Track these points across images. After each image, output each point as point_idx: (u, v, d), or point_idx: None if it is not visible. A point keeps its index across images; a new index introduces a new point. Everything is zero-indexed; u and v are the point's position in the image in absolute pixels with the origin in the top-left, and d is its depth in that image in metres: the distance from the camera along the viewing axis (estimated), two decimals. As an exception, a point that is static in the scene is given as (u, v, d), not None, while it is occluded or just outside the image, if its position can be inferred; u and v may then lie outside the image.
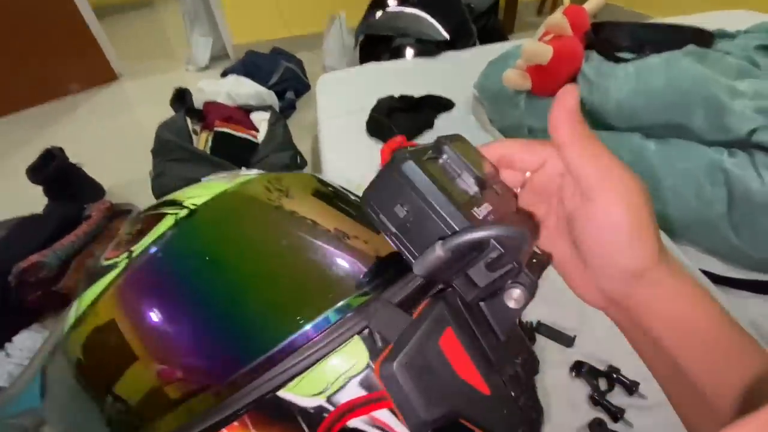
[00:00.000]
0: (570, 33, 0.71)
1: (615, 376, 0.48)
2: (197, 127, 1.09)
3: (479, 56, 1.00)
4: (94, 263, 0.25)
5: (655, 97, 0.63)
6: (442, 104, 0.93)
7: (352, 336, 0.19)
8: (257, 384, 0.18)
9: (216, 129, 1.04)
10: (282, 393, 0.18)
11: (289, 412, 0.18)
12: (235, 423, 0.18)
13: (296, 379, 0.18)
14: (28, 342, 0.82)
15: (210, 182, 0.27)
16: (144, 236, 0.23)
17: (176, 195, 0.26)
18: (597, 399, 0.46)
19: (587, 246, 0.19)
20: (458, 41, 1.22)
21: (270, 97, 1.30)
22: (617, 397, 0.47)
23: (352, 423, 0.18)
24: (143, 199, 1.06)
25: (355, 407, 0.18)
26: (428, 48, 1.19)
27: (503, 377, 0.19)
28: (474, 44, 1.28)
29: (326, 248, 0.22)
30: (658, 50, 0.66)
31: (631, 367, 0.48)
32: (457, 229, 0.17)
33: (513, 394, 0.18)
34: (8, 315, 0.84)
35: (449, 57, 1.19)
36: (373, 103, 0.91)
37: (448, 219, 0.17)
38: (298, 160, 1.05)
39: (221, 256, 0.21)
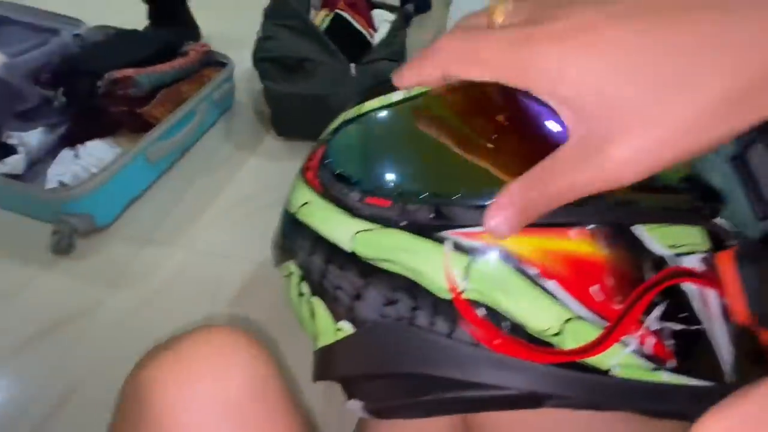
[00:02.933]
0: None
1: None
2: (317, 2, 1.00)
3: None
4: None
5: None
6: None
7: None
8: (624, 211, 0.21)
9: (337, 11, 0.95)
10: (638, 229, 0.20)
11: (637, 245, 0.20)
12: (585, 229, 0.20)
13: (657, 225, 0.21)
14: (98, 151, 0.83)
15: None
16: None
17: None
18: None
19: None
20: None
21: (394, 0, 1.18)
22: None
23: (684, 286, 0.21)
24: (237, 56, 1.00)
25: (692, 274, 0.21)
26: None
27: None
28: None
29: None
30: None
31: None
32: None
33: None
34: (89, 119, 0.84)
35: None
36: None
37: None
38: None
39: None
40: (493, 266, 0.20)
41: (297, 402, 0.29)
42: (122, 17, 1.03)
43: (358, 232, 0.24)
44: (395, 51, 0.96)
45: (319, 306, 0.27)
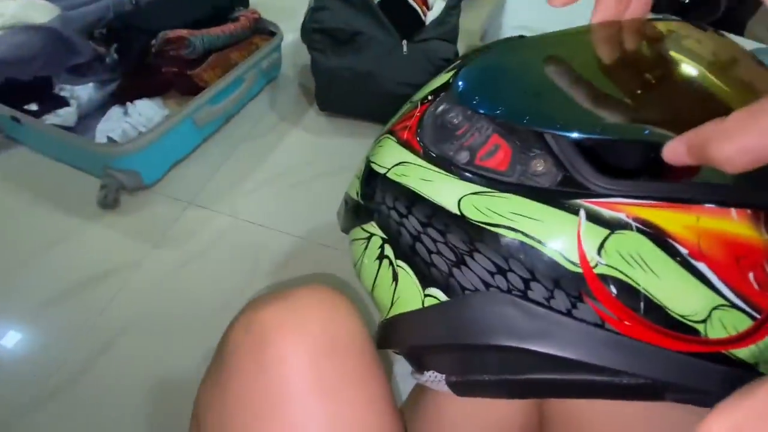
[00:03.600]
0: None
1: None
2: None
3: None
4: None
5: None
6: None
7: None
8: None
9: (393, -16, 0.92)
10: None
11: None
12: (749, 211, 0.18)
13: None
14: (147, 110, 0.83)
15: None
16: None
17: None
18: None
19: None
20: (696, 10, 0.98)
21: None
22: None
23: None
24: (287, 25, 0.99)
25: None
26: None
27: None
28: (714, 23, 1.03)
29: None
30: None
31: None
32: None
33: None
34: (139, 77, 0.84)
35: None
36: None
37: None
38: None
39: None
40: (636, 241, 0.18)
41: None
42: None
43: (467, 195, 0.22)
44: (448, 31, 0.93)
45: (406, 271, 0.25)
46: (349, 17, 0.87)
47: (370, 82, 0.87)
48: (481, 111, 0.23)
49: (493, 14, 1.06)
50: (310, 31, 0.88)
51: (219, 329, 0.29)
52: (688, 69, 0.21)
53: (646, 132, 0.18)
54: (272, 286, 0.69)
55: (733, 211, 0.18)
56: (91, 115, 0.84)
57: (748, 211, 0.18)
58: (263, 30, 0.97)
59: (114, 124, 0.81)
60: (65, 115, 0.79)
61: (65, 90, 0.83)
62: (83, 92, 0.84)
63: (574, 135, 0.19)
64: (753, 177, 0.16)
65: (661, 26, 0.23)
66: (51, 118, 0.78)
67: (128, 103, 0.83)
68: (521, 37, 0.28)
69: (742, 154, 0.14)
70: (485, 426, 0.31)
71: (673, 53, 0.22)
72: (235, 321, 0.28)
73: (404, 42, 0.87)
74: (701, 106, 0.17)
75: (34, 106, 0.79)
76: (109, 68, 0.86)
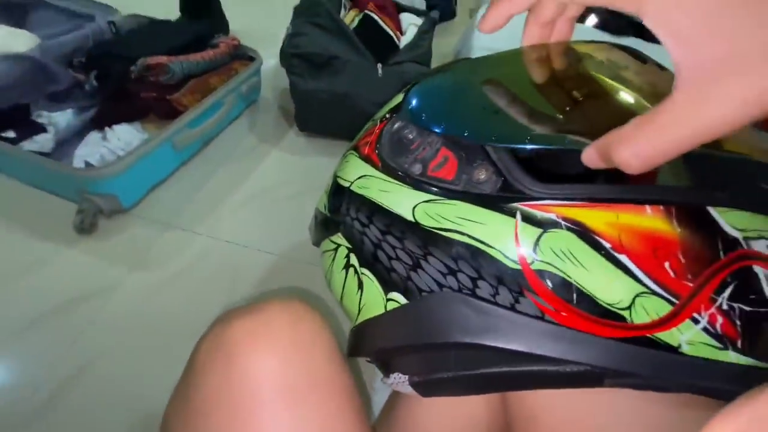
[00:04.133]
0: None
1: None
2: (347, 3, 1.02)
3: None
4: None
5: None
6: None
7: None
8: (699, 193, 0.21)
9: (367, 11, 0.97)
10: (714, 211, 0.20)
11: (710, 225, 0.20)
12: (661, 207, 0.20)
13: (728, 209, 0.21)
14: (126, 134, 0.84)
15: None
16: None
17: None
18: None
19: None
20: (636, 26, 1.05)
21: (421, 5, 1.20)
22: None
23: (756, 269, 0.20)
24: (267, 51, 1.02)
25: (760, 258, 0.20)
26: (617, 23, 1.03)
27: None
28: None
29: None
30: None
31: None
32: None
33: None
34: (118, 103, 0.85)
35: (632, 44, 1.03)
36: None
37: None
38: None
39: None
40: (565, 238, 0.20)
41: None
42: (155, 9, 1.05)
43: (420, 203, 0.24)
44: (422, 54, 0.97)
45: (370, 278, 0.27)
46: (325, 42, 0.90)
47: (347, 103, 0.90)
48: (427, 127, 0.25)
49: (465, 37, 1.11)
50: (288, 56, 0.91)
51: None
52: (607, 85, 0.24)
53: (567, 141, 0.20)
54: (240, 302, 0.70)
55: (648, 207, 0.20)
56: (70, 141, 0.84)
57: (661, 207, 0.20)
58: (243, 56, 1.00)
59: (92, 149, 0.82)
60: (42, 141, 0.79)
61: (43, 116, 0.84)
62: (61, 118, 0.85)
63: (508, 146, 0.22)
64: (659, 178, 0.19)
65: (582, 48, 0.26)
66: (28, 145, 0.78)
67: (107, 128, 0.84)
68: (465, 59, 0.31)
69: (635, 158, 0.17)
70: (455, 427, 0.32)
71: (593, 72, 0.25)
72: (203, 336, 0.28)
73: (379, 65, 0.91)
74: (617, 117, 0.19)
75: (11, 134, 0.79)
76: (89, 95, 0.87)
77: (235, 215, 0.83)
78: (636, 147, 0.16)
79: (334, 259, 0.30)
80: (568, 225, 0.20)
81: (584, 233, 0.20)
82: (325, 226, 0.32)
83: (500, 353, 0.22)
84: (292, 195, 0.88)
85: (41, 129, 0.81)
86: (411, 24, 1.04)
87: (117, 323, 0.66)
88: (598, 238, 0.20)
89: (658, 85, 0.24)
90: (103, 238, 0.75)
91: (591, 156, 0.19)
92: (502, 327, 0.22)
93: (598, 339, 0.20)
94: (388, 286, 0.26)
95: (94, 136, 0.84)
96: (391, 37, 0.99)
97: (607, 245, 0.20)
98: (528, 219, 0.21)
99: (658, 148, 0.16)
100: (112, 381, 0.61)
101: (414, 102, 0.27)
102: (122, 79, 0.83)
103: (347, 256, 0.29)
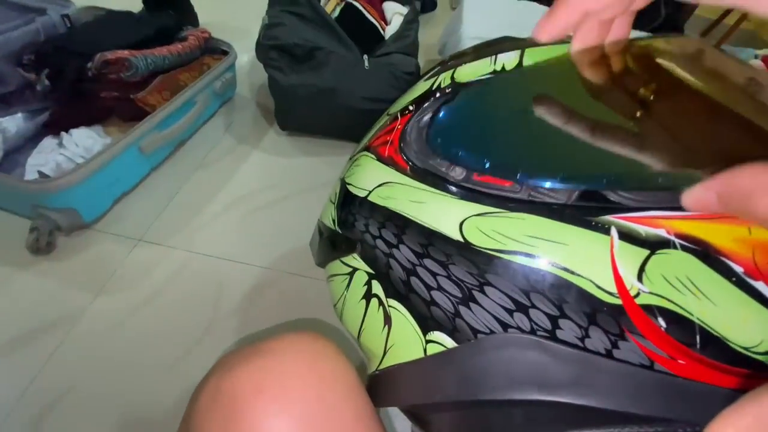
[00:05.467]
0: None
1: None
2: (327, -9, 0.95)
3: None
4: None
5: None
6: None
7: None
8: None
9: (348, 0, 0.90)
10: None
11: None
12: None
13: None
14: (86, 140, 0.75)
15: None
16: None
17: None
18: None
19: None
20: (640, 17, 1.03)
21: (404, -4, 1.14)
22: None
23: None
24: (241, 45, 0.94)
25: None
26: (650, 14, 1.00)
27: None
28: (655, 29, 1.09)
29: None
30: None
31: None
32: None
33: None
34: (75, 105, 0.76)
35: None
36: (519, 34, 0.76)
37: None
38: (420, 73, 0.91)
39: None
40: (682, 261, 0.15)
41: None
42: (114, 2, 0.95)
43: (470, 217, 0.18)
44: (408, 45, 0.91)
45: (401, 312, 0.21)
46: (306, 33, 0.83)
47: (333, 99, 0.83)
48: (468, 167, 0.20)
49: (451, 28, 1.06)
50: (266, 48, 0.83)
51: (181, 380, 0.24)
52: (705, 92, 0.19)
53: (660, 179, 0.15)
54: (243, 338, 0.62)
55: None
56: (21, 148, 0.75)
57: None
58: (215, 50, 0.92)
59: (47, 157, 0.72)
60: (-13, 151, 0.69)
61: (-13, 122, 0.74)
62: (10, 124, 0.75)
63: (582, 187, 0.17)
64: None
65: (649, 44, 0.21)
66: (-31, 155, 0.68)
67: (63, 133, 0.75)
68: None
69: None
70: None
71: (670, 70, 0.20)
72: (202, 385, 0.23)
73: (365, 57, 0.85)
74: (716, 128, 0.14)
75: (-51, 143, 0.69)
76: (41, 96, 0.77)
77: (213, 225, 0.75)
78: None
79: (348, 287, 0.24)
80: (684, 243, 0.15)
81: (707, 254, 0.15)
82: (334, 244, 0.26)
83: (588, 414, 0.17)
84: (276, 199, 0.81)
85: (-15, 137, 0.71)
86: (396, 13, 0.98)
87: (81, 357, 0.58)
88: (725, 260, 0.15)
89: (750, 84, 0.19)
90: (62, 258, 0.66)
91: (703, 199, 0.13)
92: (594, 380, 0.16)
93: (728, 393, 0.15)
94: (427, 323, 0.20)
95: (48, 142, 0.75)
96: (376, 27, 0.93)
97: (739, 269, 0.15)
98: (627, 236, 0.16)
99: None
100: (84, 418, 0.53)
101: (443, 139, 0.21)
102: (78, 78, 0.73)
103: (368, 283, 0.23)
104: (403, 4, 1.02)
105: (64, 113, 0.75)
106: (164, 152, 0.80)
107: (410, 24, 0.94)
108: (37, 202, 0.64)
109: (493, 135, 0.20)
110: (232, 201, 0.79)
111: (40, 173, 0.70)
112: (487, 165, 0.19)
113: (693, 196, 0.13)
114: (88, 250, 0.68)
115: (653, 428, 0.17)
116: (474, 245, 0.18)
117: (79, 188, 0.65)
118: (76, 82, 0.74)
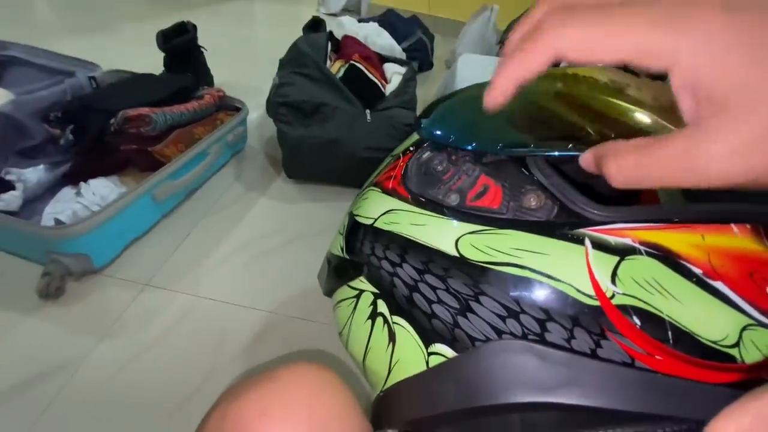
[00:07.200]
0: None
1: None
2: (332, 55, 1.04)
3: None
4: None
5: None
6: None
7: None
8: None
9: (352, 61, 0.99)
10: None
11: None
12: (748, 226, 0.18)
13: None
14: (103, 189, 0.79)
15: None
16: None
17: None
18: None
19: None
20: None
21: (403, 57, 1.24)
22: None
23: None
24: (252, 102, 1.02)
25: None
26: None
27: None
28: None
29: None
30: None
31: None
32: None
33: None
34: (96, 156, 0.81)
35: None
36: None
37: None
38: (418, 126, 0.97)
39: None
40: (648, 265, 0.17)
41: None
42: (138, 65, 1.04)
43: (464, 235, 0.21)
44: (407, 100, 0.99)
45: (405, 328, 0.23)
46: (313, 91, 0.91)
47: (337, 148, 0.89)
48: (458, 146, 0.23)
49: (445, 84, 1.15)
50: (276, 105, 0.90)
51: (185, 424, 0.25)
52: (620, 108, 0.23)
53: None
54: (249, 370, 0.62)
55: (734, 226, 0.18)
56: (41, 197, 0.79)
57: (747, 225, 0.18)
58: (228, 106, 0.99)
59: (64, 206, 0.76)
60: (9, 199, 0.73)
61: (11, 173, 0.78)
62: (32, 175, 0.80)
63: (554, 153, 0.20)
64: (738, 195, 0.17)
65: (582, 72, 0.25)
66: (-8, 204, 0.72)
67: (81, 183, 0.79)
68: (476, 84, 0.30)
69: (620, 174, 0.15)
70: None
71: (603, 96, 0.24)
72: (210, 412, 0.24)
73: (367, 111, 0.91)
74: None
75: (-25, 193, 0.73)
76: (63, 149, 0.83)
77: (219, 269, 0.77)
78: (624, 162, 0.15)
79: (355, 309, 0.26)
80: (649, 250, 0.18)
81: (668, 258, 0.17)
82: (341, 271, 0.28)
83: (578, 413, 0.18)
84: (282, 244, 0.83)
85: (9, 186, 0.75)
86: (395, 73, 1.07)
87: (84, 400, 0.57)
88: (685, 263, 0.17)
89: (661, 99, 0.23)
90: (70, 302, 0.68)
91: (588, 160, 0.17)
92: (580, 379, 0.18)
93: (703, 386, 0.17)
94: (429, 336, 0.22)
95: (66, 191, 0.79)
96: (377, 84, 1.00)
97: (698, 271, 0.17)
98: (599, 246, 0.18)
99: (642, 171, 0.15)
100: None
101: (438, 127, 0.25)
102: (101, 133, 0.79)
103: (373, 303, 0.25)
104: (402, 66, 1.11)
105: (83, 164, 0.80)
106: (176, 200, 0.84)
107: (409, 81, 1.02)
108: (51, 248, 0.67)
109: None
110: (239, 245, 0.82)
111: (57, 220, 0.73)
112: (452, 138, 0.23)
113: (583, 157, 0.17)
114: (94, 294, 0.69)
115: (641, 426, 0.18)
116: (469, 259, 0.20)
117: (92, 234, 0.68)
118: (98, 137, 0.80)
